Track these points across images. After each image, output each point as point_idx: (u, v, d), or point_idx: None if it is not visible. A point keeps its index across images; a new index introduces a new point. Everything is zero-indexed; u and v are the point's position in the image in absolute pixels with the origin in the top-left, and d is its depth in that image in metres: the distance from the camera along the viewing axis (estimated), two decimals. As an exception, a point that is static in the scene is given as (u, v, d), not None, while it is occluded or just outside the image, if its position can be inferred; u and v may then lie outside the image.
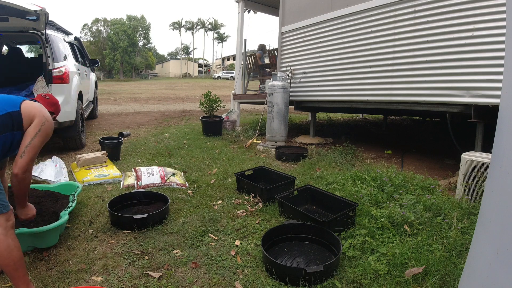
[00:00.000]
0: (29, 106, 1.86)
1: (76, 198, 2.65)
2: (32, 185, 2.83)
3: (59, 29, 5.81)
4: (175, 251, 2.18)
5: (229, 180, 3.61)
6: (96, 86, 8.60)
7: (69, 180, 3.44)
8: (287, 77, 5.44)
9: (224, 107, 7.03)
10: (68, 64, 4.84)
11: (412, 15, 3.79)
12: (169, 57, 77.42)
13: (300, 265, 2.03)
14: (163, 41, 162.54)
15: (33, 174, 3.35)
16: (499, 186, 1.08)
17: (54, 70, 4.36)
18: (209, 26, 66.23)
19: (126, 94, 18.71)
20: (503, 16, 2.89)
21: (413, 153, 4.86)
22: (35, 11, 3.83)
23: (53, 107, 2.13)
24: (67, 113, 4.43)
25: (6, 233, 1.62)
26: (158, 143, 5.51)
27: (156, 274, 1.92)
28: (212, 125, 6.19)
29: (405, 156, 4.68)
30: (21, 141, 1.84)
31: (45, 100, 2.09)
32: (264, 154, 4.91)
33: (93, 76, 7.88)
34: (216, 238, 2.38)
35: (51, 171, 3.46)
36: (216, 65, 70.95)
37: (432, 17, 3.59)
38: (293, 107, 5.92)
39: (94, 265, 2.02)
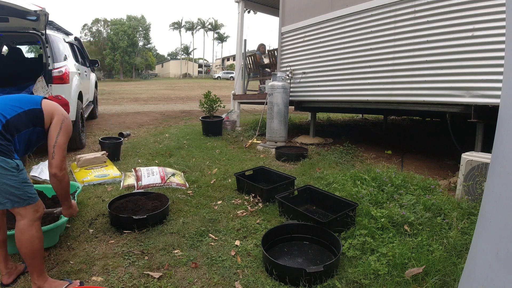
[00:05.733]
0: (48, 104, 1.91)
1: (76, 198, 2.64)
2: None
3: (59, 29, 5.81)
4: (175, 251, 2.18)
5: (229, 180, 3.61)
6: (96, 86, 8.60)
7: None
8: (287, 77, 5.44)
9: (224, 107, 7.03)
10: (68, 64, 4.84)
11: (412, 15, 3.79)
12: (169, 57, 77.45)
13: (300, 265, 2.03)
14: (163, 41, 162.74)
15: (33, 174, 3.36)
16: (499, 186, 1.08)
17: (54, 70, 4.36)
18: (209, 26, 66.27)
19: (126, 94, 18.72)
20: (503, 16, 2.89)
21: (413, 153, 4.86)
22: (35, 11, 3.83)
23: (64, 108, 2.14)
24: (67, 113, 4.43)
25: (32, 224, 1.69)
26: (158, 143, 5.51)
27: (156, 274, 1.92)
28: (212, 125, 6.19)
29: (405, 156, 4.68)
30: (41, 137, 1.89)
31: (57, 101, 2.13)
32: (264, 154, 4.91)
33: (93, 76, 7.88)
34: (216, 238, 2.38)
35: (51, 171, 3.46)
36: (216, 65, 70.97)
37: (432, 17, 3.59)
38: (293, 107, 5.92)
39: (94, 265, 2.02)
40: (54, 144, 1.83)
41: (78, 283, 1.81)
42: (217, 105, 6.48)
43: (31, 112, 1.82)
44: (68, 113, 2.21)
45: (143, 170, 3.51)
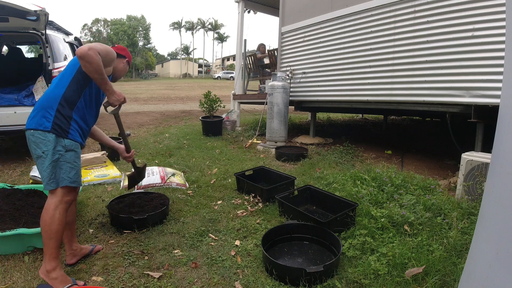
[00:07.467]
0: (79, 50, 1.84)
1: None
2: (32, 186, 2.84)
3: (59, 29, 5.82)
4: (175, 251, 2.18)
5: (229, 180, 3.61)
6: (96, 86, 8.59)
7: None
8: (287, 77, 5.44)
9: (224, 107, 7.03)
10: (68, 64, 4.84)
11: (412, 15, 3.79)
12: (169, 57, 77.49)
13: (300, 265, 2.03)
14: (163, 41, 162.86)
15: (33, 174, 3.36)
16: (499, 186, 1.08)
17: (54, 70, 4.36)
18: (209, 26, 66.31)
19: (126, 94, 18.61)
20: (503, 16, 2.89)
21: (413, 153, 4.86)
22: (35, 11, 3.83)
23: (123, 52, 2.18)
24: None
25: (57, 206, 1.75)
26: (158, 143, 5.51)
27: (156, 274, 1.92)
28: (212, 125, 6.19)
29: (405, 156, 4.68)
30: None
31: (114, 48, 2.10)
32: (264, 154, 4.91)
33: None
34: (216, 238, 2.38)
35: (51, 171, 3.45)
36: (216, 65, 71.00)
37: (432, 17, 3.59)
38: (293, 107, 5.92)
39: (94, 265, 2.02)
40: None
41: (82, 284, 1.81)
42: (217, 105, 6.48)
43: (76, 74, 1.85)
44: (130, 56, 2.23)
45: (143, 170, 3.50)
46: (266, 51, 7.93)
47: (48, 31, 4.52)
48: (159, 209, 2.59)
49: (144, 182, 3.32)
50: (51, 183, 1.75)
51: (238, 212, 2.81)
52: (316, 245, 2.23)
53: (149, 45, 59.94)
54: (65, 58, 4.96)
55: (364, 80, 4.45)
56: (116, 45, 2.20)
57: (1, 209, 2.41)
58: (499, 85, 2.96)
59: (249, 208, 2.88)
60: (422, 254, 1.95)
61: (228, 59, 67.07)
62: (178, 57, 69.63)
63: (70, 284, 1.76)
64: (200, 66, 68.71)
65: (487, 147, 3.25)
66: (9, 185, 2.86)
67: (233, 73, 35.77)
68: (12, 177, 3.69)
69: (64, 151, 1.77)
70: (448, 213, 2.47)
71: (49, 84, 4.31)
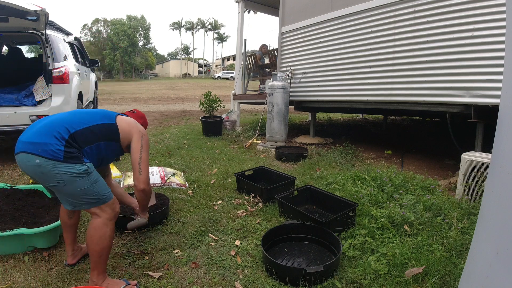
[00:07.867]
0: (124, 121, 1.97)
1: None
2: (32, 185, 2.84)
3: (59, 29, 5.82)
4: (175, 251, 2.18)
5: (229, 180, 3.61)
6: (96, 86, 8.59)
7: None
8: (287, 77, 5.44)
9: (224, 107, 7.03)
10: (68, 64, 4.84)
11: (412, 15, 3.79)
12: (169, 57, 77.55)
13: (300, 265, 2.03)
14: (163, 41, 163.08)
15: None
16: (499, 186, 1.08)
17: (54, 70, 4.35)
18: (209, 26, 66.34)
19: (126, 94, 18.72)
20: (503, 16, 2.89)
21: (413, 153, 4.86)
22: (35, 11, 3.83)
23: (141, 120, 2.25)
24: (67, 113, 4.42)
25: (107, 223, 1.72)
26: (158, 143, 5.51)
27: (156, 274, 1.92)
28: (212, 125, 6.19)
29: (405, 156, 4.68)
30: (117, 150, 1.96)
31: (133, 114, 2.22)
32: (264, 154, 4.91)
33: (93, 76, 7.88)
34: (216, 238, 2.38)
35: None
36: (216, 65, 71.04)
37: (432, 17, 3.59)
38: (293, 107, 5.92)
39: (94, 265, 2.02)
40: (139, 160, 1.92)
41: (135, 283, 1.80)
42: (217, 105, 6.47)
43: (103, 126, 1.83)
44: (147, 124, 2.34)
45: (143, 170, 3.50)
46: (268, 52, 7.93)
47: (48, 31, 4.52)
48: (159, 209, 2.59)
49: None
50: (83, 204, 1.68)
51: (238, 212, 2.81)
52: (316, 245, 2.23)
53: (149, 45, 59.91)
54: (65, 58, 4.95)
55: (364, 80, 4.45)
56: (135, 111, 2.25)
57: (1, 209, 2.41)
58: (499, 85, 2.96)
59: (249, 208, 2.88)
60: (422, 254, 1.95)
61: (228, 59, 67.11)
62: (178, 57, 69.66)
63: (123, 286, 1.75)
64: (200, 66, 68.75)
65: (487, 147, 3.25)
66: (9, 185, 2.86)
67: (233, 73, 35.80)
68: (12, 177, 3.69)
69: (87, 175, 1.65)
70: (448, 213, 2.47)
71: (49, 85, 4.30)
